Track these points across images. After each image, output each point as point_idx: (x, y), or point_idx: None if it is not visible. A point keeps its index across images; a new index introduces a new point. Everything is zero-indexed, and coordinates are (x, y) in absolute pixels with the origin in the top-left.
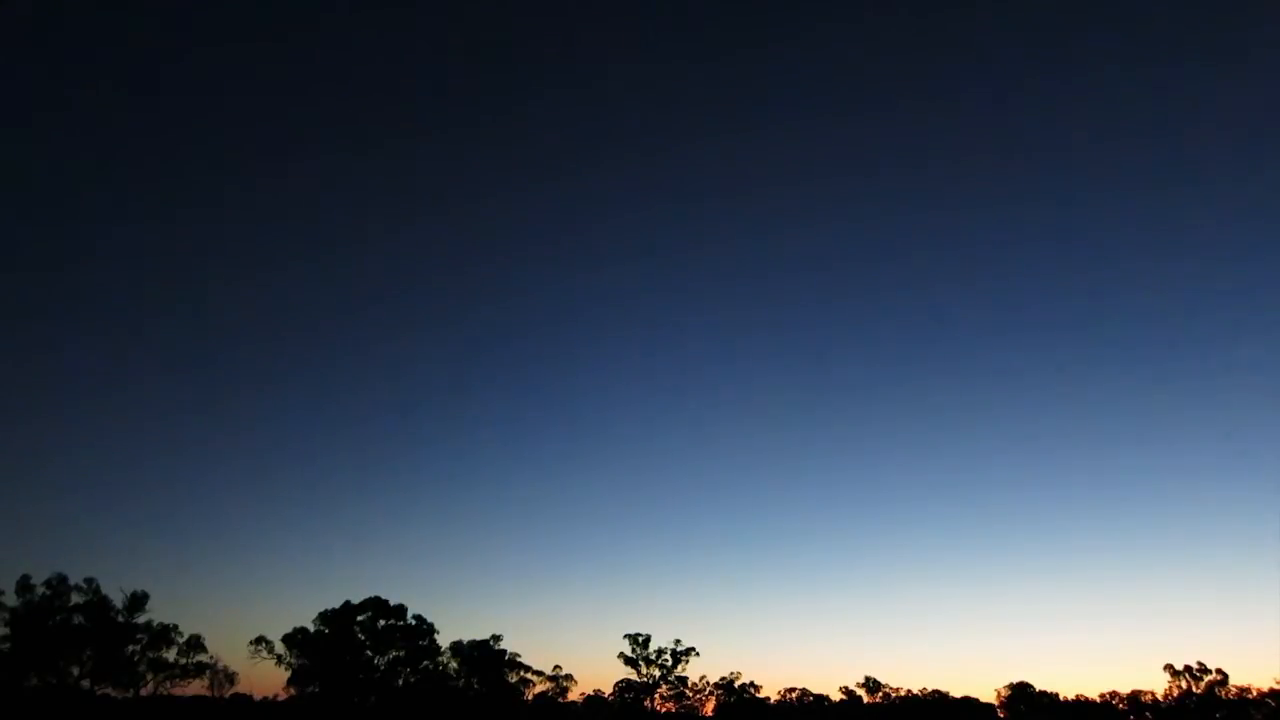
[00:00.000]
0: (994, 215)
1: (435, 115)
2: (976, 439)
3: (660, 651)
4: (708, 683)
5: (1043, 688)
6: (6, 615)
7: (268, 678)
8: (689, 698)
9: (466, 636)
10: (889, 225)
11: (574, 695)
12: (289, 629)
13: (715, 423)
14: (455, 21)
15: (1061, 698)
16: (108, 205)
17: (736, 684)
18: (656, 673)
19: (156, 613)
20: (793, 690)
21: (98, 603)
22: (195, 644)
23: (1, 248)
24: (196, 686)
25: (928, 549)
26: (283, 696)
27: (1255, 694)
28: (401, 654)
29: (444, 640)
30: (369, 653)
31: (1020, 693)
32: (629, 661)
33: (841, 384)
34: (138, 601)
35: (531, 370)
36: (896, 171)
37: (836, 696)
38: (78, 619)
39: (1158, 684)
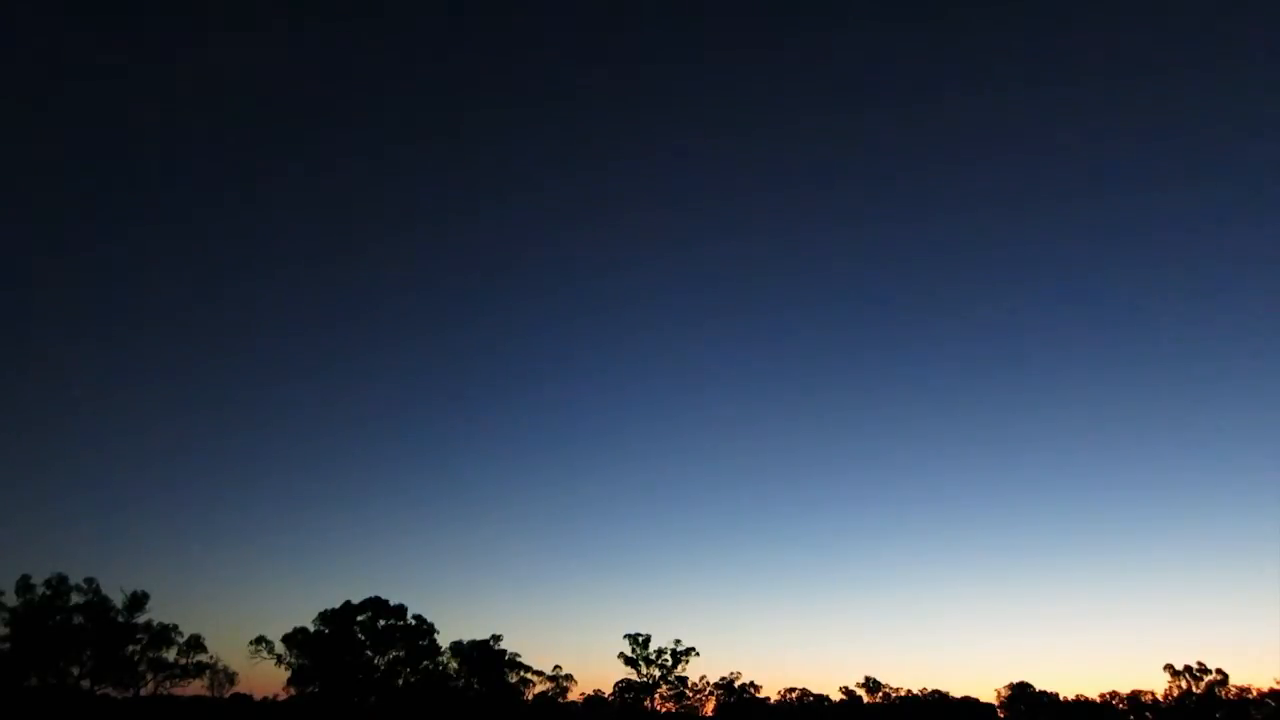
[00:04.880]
0: (994, 218)
1: (437, 117)
2: (977, 440)
3: (660, 651)
4: (708, 683)
5: (1043, 688)
6: (6, 615)
7: (268, 678)
8: (689, 698)
9: (466, 636)
10: (890, 227)
11: (574, 695)
12: (289, 629)
13: (716, 424)
14: (457, 24)
15: (1061, 698)
16: (108, 207)
17: (736, 684)
18: (656, 673)
19: (156, 613)
20: (793, 690)
21: (98, 603)
22: (195, 644)
23: (1, 250)
24: (196, 686)
25: (928, 549)
26: (283, 696)
27: (1255, 694)
28: (401, 654)
29: (444, 640)
30: (369, 653)
31: (1020, 693)
32: (629, 661)
33: (841, 385)
34: (138, 601)
35: (532, 372)
36: (901, 174)
37: (836, 696)
38: (78, 619)
39: (1158, 684)
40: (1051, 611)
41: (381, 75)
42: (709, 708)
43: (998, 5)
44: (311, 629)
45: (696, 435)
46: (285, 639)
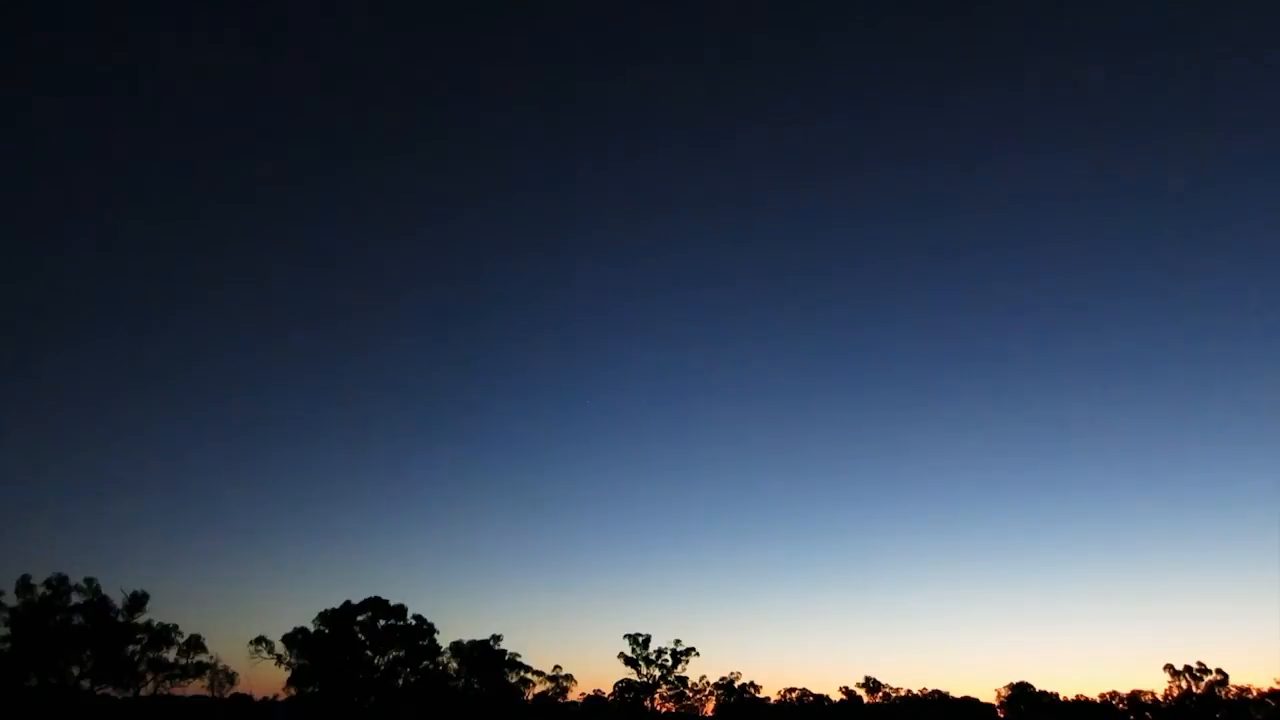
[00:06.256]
0: (992, 218)
1: (437, 117)
2: (976, 440)
3: (660, 651)
4: (708, 683)
5: (1043, 688)
6: (6, 615)
7: (268, 678)
8: (689, 698)
9: (466, 636)
10: (889, 228)
11: (574, 695)
12: (289, 629)
13: (715, 423)
14: (455, 25)
15: (1061, 698)
16: (108, 207)
17: (736, 684)
18: (656, 673)
19: (156, 613)
20: (793, 690)
21: (98, 603)
22: (195, 644)
23: (1, 249)
24: (196, 686)
25: (928, 549)
26: (283, 696)
27: (1255, 694)
28: (401, 654)
29: (444, 640)
30: (369, 653)
31: (1020, 693)
32: (629, 661)
33: (842, 385)
34: (138, 601)
35: (532, 371)
36: (900, 174)
37: (836, 696)
38: (78, 619)
39: (1158, 684)
40: (1051, 611)
41: (382, 74)
42: (709, 708)
43: (997, 4)
44: (311, 629)
45: (696, 435)
46: (285, 639)
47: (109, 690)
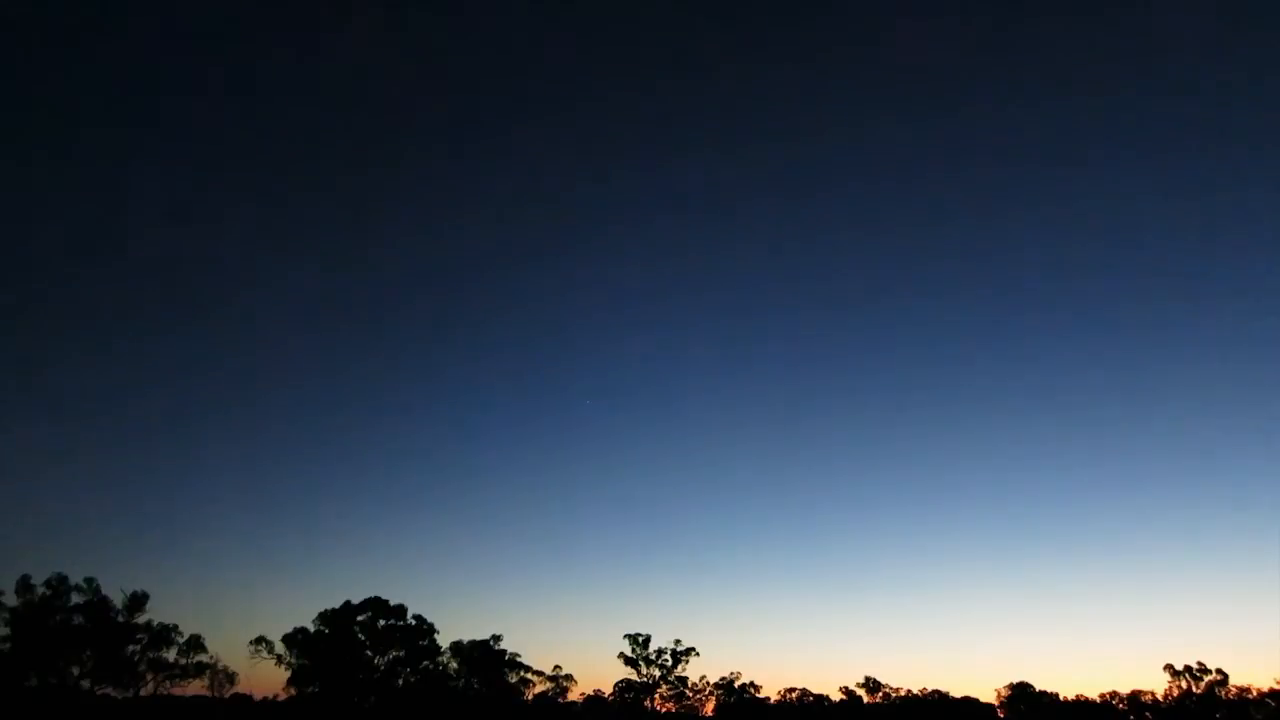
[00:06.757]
0: (993, 221)
1: (438, 119)
2: (976, 439)
3: (660, 651)
4: (708, 683)
5: (1043, 688)
6: (6, 615)
7: (268, 678)
8: (689, 698)
9: (466, 636)
10: (889, 228)
11: (574, 695)
12: (289, 629)
13: (716, 423)
14: (458, 26)
15: (1061, 698)
16: (108, 208)
17: (736, 684)
18: (656, 673)
19: (156, 613)
20: (793, 690)
21: (98, 603)
22: (195, 644)
23: (2, 250)
24: (196, 686)
25: (928, 549)
26: (283, 696)
27: (1255, 694)
28: (401, 654)
29: (444, 640)
30: (369, 653)
31: (1020, 693)
32: (629, 661)
33: (841, 385)
34: (138, 601)
35: (532, 372)
36: (900, 177)
37: (836, 696)
38: (78, 619)
39: (1158, 684)
40: (1051, 611)
41: (387, 74)
42: (709, 708)
43: (997, 8)
44: (311, 629)
45: (696, 435)
46: (285, 639)
47: (109, 690)
